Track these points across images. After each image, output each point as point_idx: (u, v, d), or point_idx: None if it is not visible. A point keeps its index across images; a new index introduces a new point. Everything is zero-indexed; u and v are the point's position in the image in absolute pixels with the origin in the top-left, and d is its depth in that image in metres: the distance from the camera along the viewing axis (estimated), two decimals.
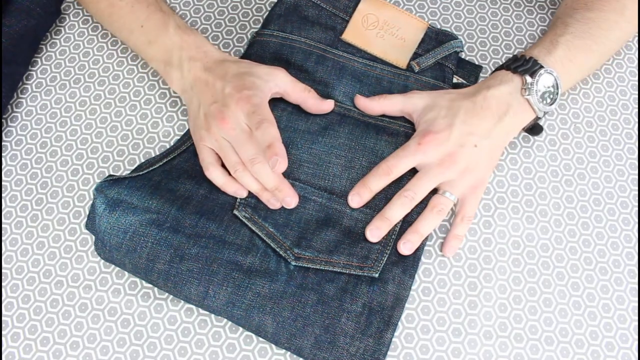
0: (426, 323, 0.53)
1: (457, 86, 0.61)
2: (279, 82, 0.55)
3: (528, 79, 0.54)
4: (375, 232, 0.53)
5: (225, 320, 0.53)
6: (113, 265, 0.55)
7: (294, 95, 0.56)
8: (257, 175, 0.53)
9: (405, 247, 0.53)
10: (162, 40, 0.57)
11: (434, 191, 0.55)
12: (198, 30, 0.65)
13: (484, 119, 0.54)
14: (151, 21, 0.57)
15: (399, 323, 0.53)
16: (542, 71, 0.54)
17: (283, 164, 0.51)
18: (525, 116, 0.55)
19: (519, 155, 0.59)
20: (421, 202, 0.54)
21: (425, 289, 0.54)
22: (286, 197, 0.53)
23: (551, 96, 0.55)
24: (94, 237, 0.55)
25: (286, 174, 0.55)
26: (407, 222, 0.54)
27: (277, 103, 0.57)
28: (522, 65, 0.55)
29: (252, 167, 0.52)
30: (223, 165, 0.54)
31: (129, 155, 0.59)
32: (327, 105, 0.57)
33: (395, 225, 0.54)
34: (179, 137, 0.60)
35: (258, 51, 0.60)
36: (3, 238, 0.56)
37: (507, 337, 0.53)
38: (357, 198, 0.54)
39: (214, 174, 0.54)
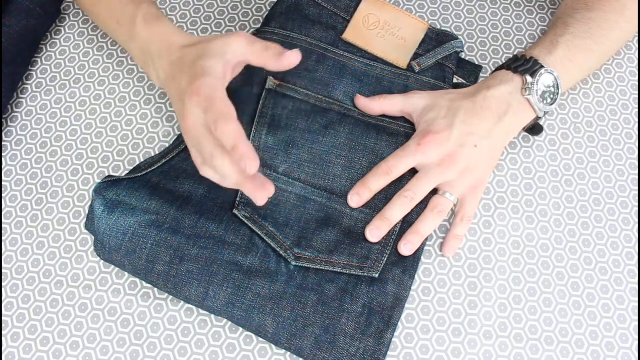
0: (426, 323, 0.53)
1: (457, 86, 0.61)
2: (235, 50, 0.49)
3: (528, 78, 0.54)
4: (375, 232, 0.53)
5: (225, 320, 0.53)
6: (113, 266, 0.55)
7: (254, 60, 0.50)
8: (219, 171, 0.47)
9: (406, 248, 0.53)
10: (136, 37, 0.53)
11: (434, 191, 0.55)
12: (198, 30, 0.65)
13: (484, 119, 0.54)
14: (124, 16, 0.54)
15: (399, 323, 0.53)
16: (542, 71, 0.54)
17: (254, 165, 0.44)
18: (525, 116, 0.55)
19: (519, 155, 0.59)
20: (421, 202, 0.54)
21: (425, 289, 0.54)
22: (256, 192, 0.47)
23: (551, 96, 0.55)
24: (93, 237, 0.55)
25: (287, 174, 0.55)
26: (407, 222, 0.54)
27: (278, 101, 0.57)
28: (523, 65, 0.55)
29: (212, 163, 0.46)
30: None
31: (129, 155, 0.59)
32: (289, 60, 0.49)
33: (395, 226, 0.54)
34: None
35: None
36: (3, 238, 0.56)
37: (507, 337, 0.53)
38: (357, 198, 0.54)
39: (208, 173, 0.49)
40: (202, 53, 0.49)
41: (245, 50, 0.49)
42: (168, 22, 0.53)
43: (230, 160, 0.45)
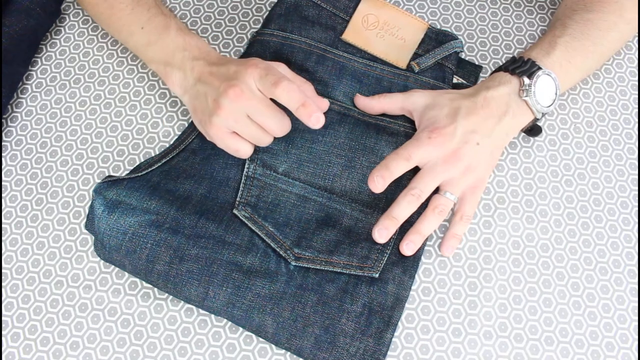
0: (426, 323, 0.53)
1: (457, 86, 0.61)
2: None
3: (526, 80, 0.54)
4: (384, 232, 0.53)
5: (225, 320, 0.53)
6: (113, 266, 0.55)
7: (266, 94, 0.54)
8: (283, 134, 0.54)
9: (408, 247, 0.53)
10: (164, 42, 0.56)
11: (434, 191, 0.55)
12: (198, 30, 0.65)
13: (485, 118, 0.54)
14: (152, 23, 0.57)
15: (399, 323, 0.53)
16: (540, 72, 0.54)
17: (322, 119, 0.50)
18: (524, 117, 0.55)
19: (519, 155, 0.59)
20: None
21: (425, 289, 0.54)
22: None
23: (550, 97, 0.55)
24: (93, 237, 0.55)
25: (286, 174, 0.55)
26: (407, 222, 0.54)
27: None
28: (521, 66, 0.55)
29: (283, 133, 0.53)
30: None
31: (129, 155, 0.59)
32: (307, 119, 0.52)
33: None
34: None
35: (258, 50, 0.60)
36: (3, 238, 0.56)
37: (507, 337, 0.53)
38: (381, 181, 0.52)
39: (249, 151, 0.54)
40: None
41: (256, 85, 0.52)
42: (200, 37, 0.58)
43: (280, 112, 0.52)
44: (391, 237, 0.53)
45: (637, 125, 0.61)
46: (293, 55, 0.60)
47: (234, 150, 0.54)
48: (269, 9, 0.65)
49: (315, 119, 0.50)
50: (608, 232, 0.56)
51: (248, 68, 0.51)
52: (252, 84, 0.51)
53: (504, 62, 0.61)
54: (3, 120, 0.61)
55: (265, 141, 0.54)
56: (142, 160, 0.59)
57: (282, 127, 0.53)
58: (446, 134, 0.53)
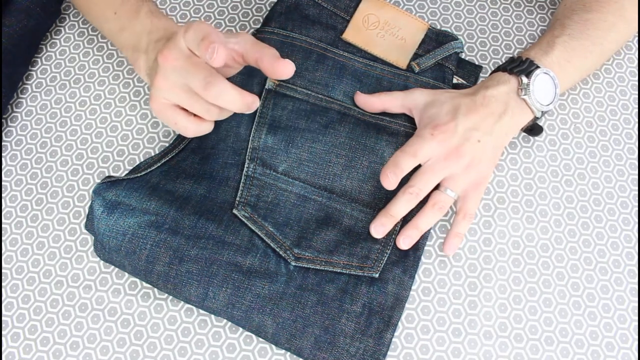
0: (426, 323, 0.53)
1: (457, 86, 0.61)
2: (240, 39, 0.47)
3: (524, 79, 0.54)
4: (380, 228, 0.53)
5: (225, 320, 0.53)
6: (113, 266, 0.55)
7: (249, 49, 0.47)
8: (218, 100, 0.45)
9: (405, 242, 0.53)
10: (133, 26, 0.54)
11: (435, 187, 0.55)
12: None
13: (485, 117, 0.54)
14: (124, 7, 0.55)
15: (399, 323, 0.53)
16: (538, 71, 0.54)
17: (221, 50, 0.43)
18: (523, 116, 0.55)
19: (519, 155, 0.59)
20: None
21: (425, 289, 0.54)
22: (251, 102, 0.46)
23: (549, 96, 0.55)
24: (93, 237, 0.55)
25: (286, 173, 0.55)
26: (407, 221, 0.54)
27: (278, 101, 0.57)
28: (519, 66, 0.55)
29: (209, 92, 0.45)
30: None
31: (129, 155, 0.59)
32: (284, 65, 0.46)
33: (396, 225, 0.54)
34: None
35: None
36: (3, 238, 0.56)
37: (507, 337, 0.53)
38: (394, 177, 0.52)
39: (196, 128, 0.48)
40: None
41: (247, 45, 0.47)
42: (172, 19, 0.55)
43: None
44: (392, 237, 0.53)
45: (637, 125, 0.61)
46: (293, 53, 0.60)
47: (173, 124, 0.48)
48: (269, 9, 0.65)
49: (211, 51, 0.43)
50: (608, 232, 0.56)
51: (181, 30, 0.46)
52: (181, 43, 0.46)
53: (503, 62, 0.61)
54: (3, 120, 0.61)
55: (213, 113, 0.47)
56: (142, 160, 0.59)
57: (207, 85, 0.45)
58: (447, 130, 0.53)
